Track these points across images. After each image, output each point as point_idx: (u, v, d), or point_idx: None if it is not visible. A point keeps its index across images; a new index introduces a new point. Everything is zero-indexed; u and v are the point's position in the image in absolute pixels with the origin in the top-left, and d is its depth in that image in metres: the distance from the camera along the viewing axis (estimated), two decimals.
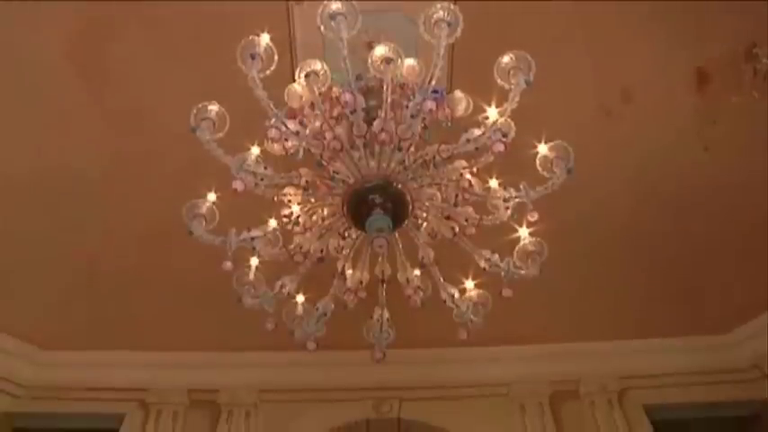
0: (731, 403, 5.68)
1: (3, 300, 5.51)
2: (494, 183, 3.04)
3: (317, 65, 2.97)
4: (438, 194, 3.08)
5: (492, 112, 2.86)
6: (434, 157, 2.99)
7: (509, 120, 2.93)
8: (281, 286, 3.11)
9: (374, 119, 2.88)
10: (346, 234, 3.13)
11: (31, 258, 5.27)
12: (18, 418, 5.66)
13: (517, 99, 2.82)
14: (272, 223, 3.11)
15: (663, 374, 5.80)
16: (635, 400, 5.67)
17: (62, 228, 5.11)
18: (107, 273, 5.40)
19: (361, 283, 3.15)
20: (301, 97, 3.09)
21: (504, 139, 2.80)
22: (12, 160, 4.77)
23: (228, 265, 2.89)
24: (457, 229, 3.08)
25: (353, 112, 2.84)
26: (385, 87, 2.82)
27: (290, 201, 3.09)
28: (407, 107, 2.90)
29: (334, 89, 3.05)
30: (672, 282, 5.57)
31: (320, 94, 2.95)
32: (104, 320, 5.78)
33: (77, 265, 5.36)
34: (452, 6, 2.83)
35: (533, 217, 2.82)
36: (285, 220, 3.09)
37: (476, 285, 3.19)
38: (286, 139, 3.00)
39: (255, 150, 3.00)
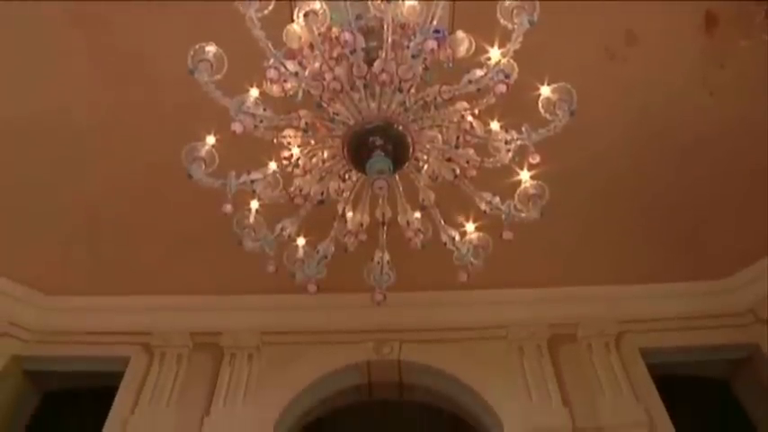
0: (724, 347, 5.77)
1: (6, 247, 5.55)
2: (495, 125, 3.01)
3: (316, 4, 2.90)
4: (439, 136, 3.05)
5: (494, 53, 2.80)
6: (435, 99, 2.95)
7: (511, 61, 2.87)
8: (282, 229, 3.11)
9: (374, 60, 2.83)
10: (346, 176, 3.11)
11: (32, 205, 5.28)
12: (27, 362, 5.79)
13: (520, 40, 2.76)
14: (272, 166, 3.09)
15: (659, 319, 5.86)
16: (631, 343, 5.73)
17: (63, 174, 5.10)
18: (108, 218, 5.41)
19: (362, 225, 3.15)
20: (300, 38, 3.02)
21: (506, 81, 2.76)
22: (12, 108, 4.72)
23: (228, 208, 2.88)
24: (458, 172, 3.06)
25: (353, 52, 2.79)
26: (385, 27, 2.77)
27: (289, 143, 3.06)
28: (408, 47, 2.84)
29: (334, 29, 2.99)
30: (671, 227, 5.58)
31: (319, 34, 2.89)
32: (107, 266, 5.83)
33: (79, 211, 5.37)
34: None
35: (535, 159, 2.80)
36: (285, 162, 3.07)
37: (476, 228, 3.18)
38: (285, 81, 2.95)
39: (254, 92, 2.95)
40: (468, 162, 3.04)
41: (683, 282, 5.98)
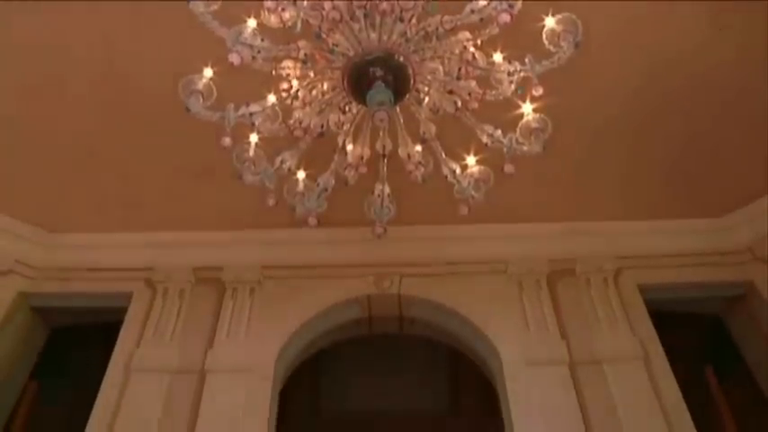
0: (721, 284, 5.82)
1: (7, 185, 5.55)
2: (498, 56, 2.96)
3: None
4: (440, 68, 3.00)
5: None
6: (437, 29, 2.89)
7: None
8: (282, 162, 3.10)
9: None
10: (347, 109, 3.08)
11: (30, 142, 5.24)
12: (33, 298, 5.87)
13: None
14: (271, 98, 3.05)
15: (658, 255, 5.88)
16: (630, 279, 5.77)
17: (61, 109, 5.04)
18: (107, 153, 5.37)
19: (362, 158, 3.14)
20: None
21: (509, 11, 2.70)
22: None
23: (227, 141, 2.86)
24: (459, 104, 3.03)
25: None
26: None
27: (288, 75, 3.02)
28: None
29: None
30: (672, 164, 5.55)
31: None
32: (108, 202, 5.83)
33: (77, 146, 5.32)
34: None
35: (538, 91, 2.76)
36: (284, 94, 3.03)
37: (477, 161, 3.17)
38: (283, 10, 2.89)
39: (252, 23, 2.89)
40: (469, 94, 3.01)
41: (682, 219, 5.99)
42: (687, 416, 4.82)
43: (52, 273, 5.93)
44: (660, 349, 5.27)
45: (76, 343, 6.45)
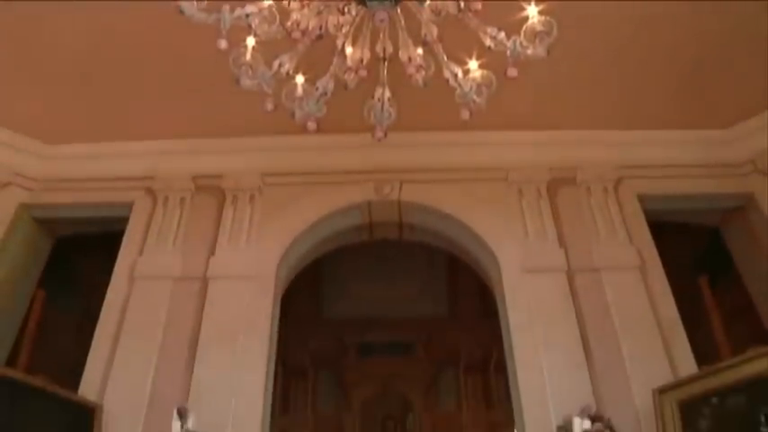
0: (721, 195, 5.86)
1: (3, 98, 5.48)
2: None
3: None
4: None
5: None
6: None
7: None
8: (280, 65, 3.01)
9: None
10: (346, 10, 2.96)
11: (27, 53, 5.12)
12: (35, 209, 5.91)
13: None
14: None
15: (659, 165, 5.88)
16: (630, 189, 5.78)
17: (55, 20, 4.89)
18: (104, 62, 5.25)
19: (362, 61, 3.04)
20: None
21: None
22: None
23: (223, 43, 2.78)
24: (462, 5, 2.92)
25: None
26: None
27: None
28: None
29: None
30: (676, 75, 5.45)
31: None
32: (105, 111, 5.76)
33: (74, 56, 5.20)
34: None
35: None
36: None
37: (480, 65, 3.09)
38: None
39: None
40: None
41: (685, 130, 5.95)
42: (680, 324, 4.95)
43: (52, 184, 5.95)
44: (657, 259, 5.34)
45: (82, 252, 6.53)
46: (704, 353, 4.77)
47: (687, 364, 4.70)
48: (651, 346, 4.80)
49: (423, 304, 9.26)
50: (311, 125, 3.05)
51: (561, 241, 5.43)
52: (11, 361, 4.97)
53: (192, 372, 4.75)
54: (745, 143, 5.84)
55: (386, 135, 3.17)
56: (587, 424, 4.00)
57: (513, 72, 2.87)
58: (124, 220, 5.72)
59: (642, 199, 5.73)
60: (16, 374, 4.23)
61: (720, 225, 6.14)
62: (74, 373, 4.86)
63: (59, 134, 5.95)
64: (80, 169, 6.02)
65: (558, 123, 5.86)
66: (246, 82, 2.98)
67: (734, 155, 5.89)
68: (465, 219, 5.57)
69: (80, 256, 6.64)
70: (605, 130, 5.94)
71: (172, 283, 5.24)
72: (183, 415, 4.06)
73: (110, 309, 5.15)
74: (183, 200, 5.77)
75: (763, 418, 3.78)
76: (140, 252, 5.47)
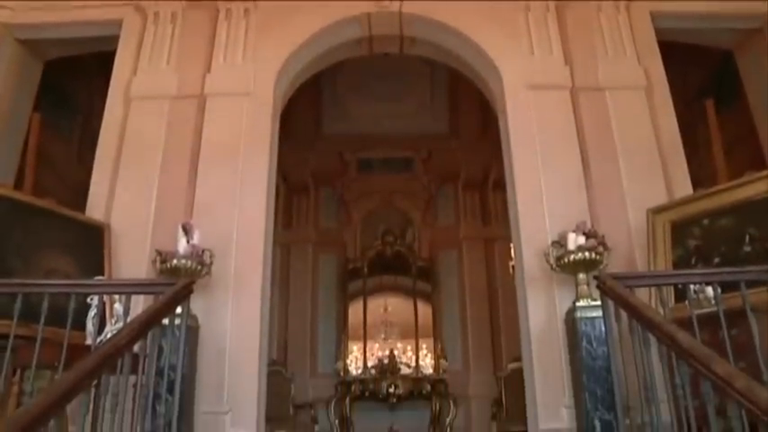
0: (738, 16, 5.56)
1: None
2: None
3: None
4: None
5: None
6: None
7: None
8: None
9: None
10: None
11: None
12: (18, 30, 5.62)
13: None
14: None
15: None
16: (642, 6, 5.48)
17: None
18: None
19: None
20: None
21: None
22: None
23: None
24: None
25: None
26: None
27: None
28: None
29: None
30: None
31: None
32: None
33: None
34: None
35: None
36: None
37: None
38: None
39: None
40: None
41: None
42: (680, 147, 4.94)
43: (33, 3, 5.59)
44: (664, 80, 5.21)
45: (76, 75, 6.37)
46: (702, 180, 4.80)
47: (683, 188, 4.75)
48: (650, 167, 4.82)
49: (423, 121, 9.20)
50: None
51: (567, 59, 5.26)
52: (17, 186, 4.99)
53: (195, 190, 4.81)
54: None
55: None
56: (581, 239, 4.10)
57: None
58: (114, 40, 5.48)
59: (655, 17, 5.47)
60: (24, 196, 4.30)
61: (735, 48, 5.88)
62: (78, 197, 4.93)
63: None
64: None
65: None
66: None
67: None
68: (468, 32, 5.34)
69: (75, 78, 6.47)
70: None
71: (169, 102, 5.15)
72: (188, 231, 4.16)
73: (108, 131, 5.11)
74: (174, 15, 5.49)
75: (747, 238, 3.90)
76: (134, 72, 5.31)
